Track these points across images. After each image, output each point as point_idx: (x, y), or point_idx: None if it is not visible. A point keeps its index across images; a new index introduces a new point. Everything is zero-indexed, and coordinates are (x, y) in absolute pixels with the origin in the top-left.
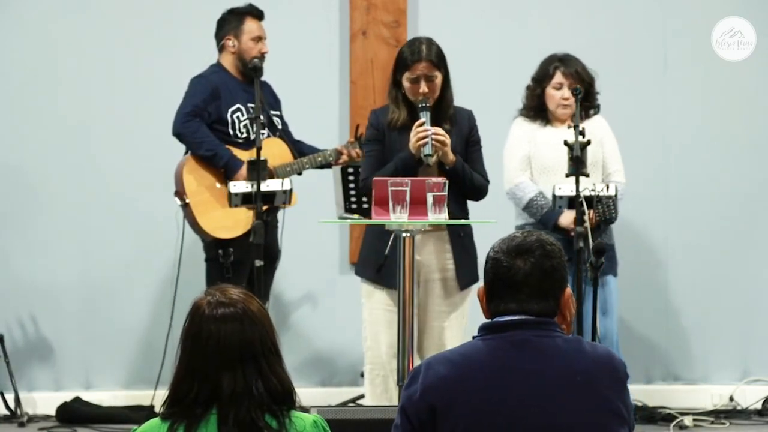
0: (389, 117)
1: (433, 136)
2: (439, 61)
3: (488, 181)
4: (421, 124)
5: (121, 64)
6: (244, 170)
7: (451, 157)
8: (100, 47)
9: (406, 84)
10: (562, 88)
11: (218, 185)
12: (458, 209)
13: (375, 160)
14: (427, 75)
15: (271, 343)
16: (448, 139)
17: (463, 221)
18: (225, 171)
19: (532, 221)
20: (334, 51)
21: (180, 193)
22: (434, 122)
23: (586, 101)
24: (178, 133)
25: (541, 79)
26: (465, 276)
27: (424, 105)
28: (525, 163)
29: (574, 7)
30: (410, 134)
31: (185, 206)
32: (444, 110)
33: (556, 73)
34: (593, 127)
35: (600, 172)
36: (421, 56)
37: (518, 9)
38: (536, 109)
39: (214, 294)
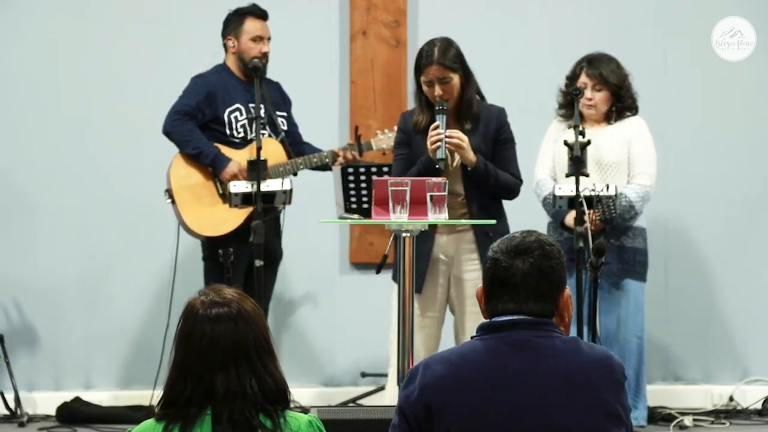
0: (414, 119)
1: (447, 140)
2: (452, 62)
3: (520, 180)
4: (436, 128)
5: (120, 64)
6: (231, 167)
7: (470, 158)
8: (99, 47)
9: (424, 87)
10: (586, 89)
11: (206, 183)
12: (481, 209)
13: (403, 164)
14: (439, 78)
15: (265, 343)
16: (464, 141)
17: (463, 221)
18: (212, 169)
19: None
20: (334, 51)
21: (169, 191)
22: (457, 122)
23: (618, 102)
24: (167, 132)
25: (571, 78)
26: None
27: (440, 108)
28: (549, 162)
29: (574, 7)
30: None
31: (173, 204)
32: (465, 110)
33: (581, 73)
34: (626, 127)
35: (624, 172)
36: (432, 59)
37: (518, 9)
38: (568, 107)
39: (208, 294)
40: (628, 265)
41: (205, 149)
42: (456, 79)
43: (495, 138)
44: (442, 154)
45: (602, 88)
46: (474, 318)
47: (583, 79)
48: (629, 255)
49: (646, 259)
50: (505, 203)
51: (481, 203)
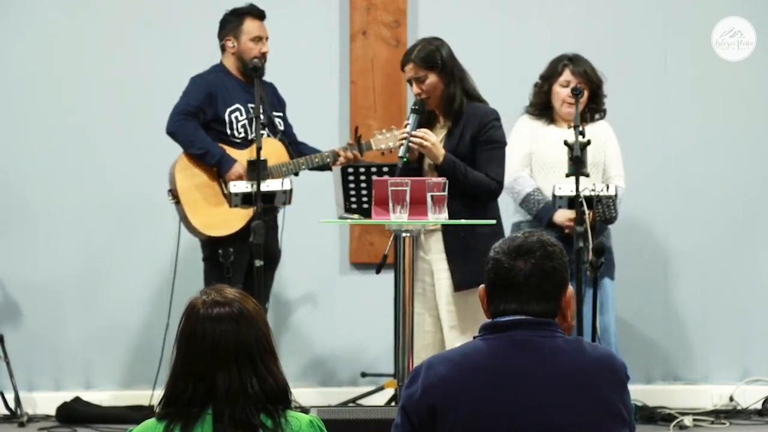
0: None
1: (411, 139)
2: (425, 61)
3: (497, 181)
4: (405, 127)
5: (120, 64)
6: (236, 168)
7: (436, 156)
8: (99, 47)
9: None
10: (569, 86)
11: (211, 183)
12: (461, 208)
13: None
14: (414, 76)
15: (266, 342)
16: (428, 141)
17: (461, 221)
18: (217, 169)
19: (528, 218)
20: (334, 51)
21: (173, 191)
22: (438, 120)
23: (593, 104)
24: (171, 132)
25: (549, 77)
26: (462, 276)
27: (414, 107)
28: (525, 159)
29: (574, 7)
30: None
31: (177, 204)
32: (444, 108)
33: (565, 70)
34: (597, 130)
35: (600, 174)
36: (407, 58)
37: (518, 9)
38: (542, 106)
39: (209, 293)
40: (607, 264)
41: (211, 149)
42: (432, 77)
43: (475, 139)
44: (402, 152)
45: (585, 86)
46: (447, 316)
47: (567, 76)
48: (607, 254)
49: (614, 258)
50: (499, 202)
51: (460, 201)
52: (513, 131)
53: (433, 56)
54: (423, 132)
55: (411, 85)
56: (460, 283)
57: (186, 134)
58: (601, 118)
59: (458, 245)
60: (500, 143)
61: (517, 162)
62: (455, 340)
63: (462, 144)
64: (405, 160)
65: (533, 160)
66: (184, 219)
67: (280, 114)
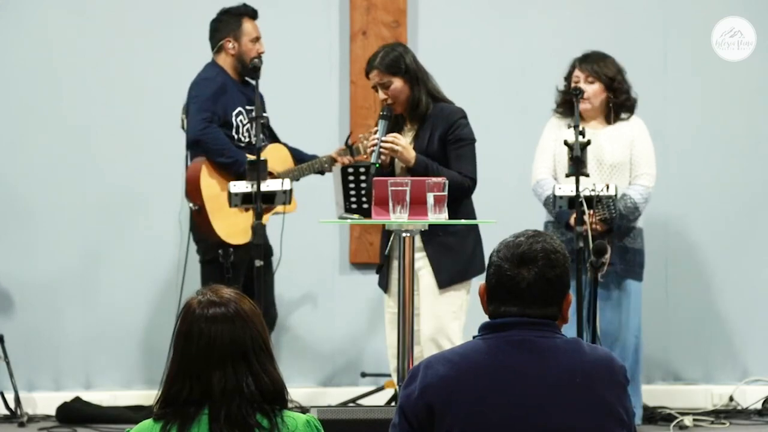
0: None
1: (381, 144)
2: (389, 67)
3: (470, 178)
4: (375, 133)
5: (120, 65)
6: None
7: (408, 159)
8: (98, 48)
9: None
10: (580, 82)
11: None
12: None
13: None
14: (379, 83)
15: (262, 342)
16: (398, 145)
17: (464, 221)
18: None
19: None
20: (334, 51)
21: (194, 197)
22: (406, 124)
23: (615, 97)
24: (197, 140)
25: (567, 77)
26: (445, 275)
27: (382, 113)
28: (549, 162)
29: (574, 6)
30: None
31: (199, 210)
32: (411, 112)
33: (575, 69)
34: (627, 128)
35: (626, 173)
36: (371, 65)
37: (518, 9)
38: (567, 106)
39: (205, 294)
40: (629, 265)
41: (239, 158)
42: (397, 83)
43: (444, 138)
44: (374, 159)
45: (595, 80)
46: (426, 313)
47: (577, 73)
48: (631, 256)
49: (644, 260)
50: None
51: None
52: (543, 133)
53: (397, 62)
54: (392, 137)
55: (377, 91)
56: (444, 282)
57: (214, 142)
58: (631, 115)
59: (436, 244)
60: (469, 140)
61: (541, 165)
62: (437, 335)
63: (431, 145)
64: (377, 166)
65: (557, 161)
66: (204, 224)
67: (267, 115)
